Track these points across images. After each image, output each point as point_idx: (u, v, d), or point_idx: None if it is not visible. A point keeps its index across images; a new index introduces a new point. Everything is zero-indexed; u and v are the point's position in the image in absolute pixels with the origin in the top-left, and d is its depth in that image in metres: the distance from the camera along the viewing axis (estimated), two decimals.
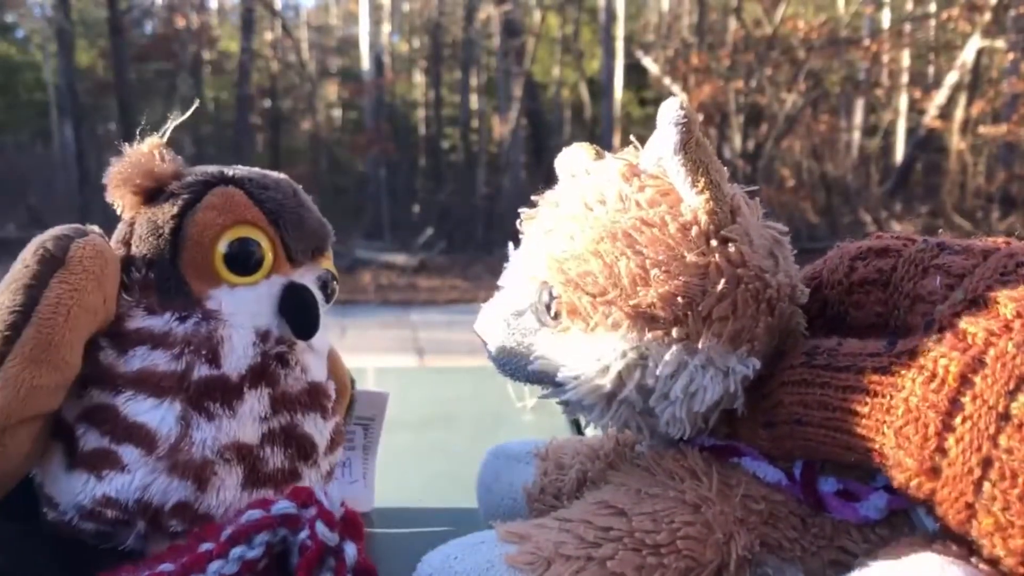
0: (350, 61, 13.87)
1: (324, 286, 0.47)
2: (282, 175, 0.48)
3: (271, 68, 12.78)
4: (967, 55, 7.74)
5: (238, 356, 0.42)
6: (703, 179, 0.37)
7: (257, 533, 0.36)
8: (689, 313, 0.37)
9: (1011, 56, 7.62)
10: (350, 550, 0.35)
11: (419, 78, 13.89)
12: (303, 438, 0.44)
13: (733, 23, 9.15)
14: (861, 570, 0.33)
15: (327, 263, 0.49)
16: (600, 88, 10.78)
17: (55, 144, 11.12)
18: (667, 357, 0.37)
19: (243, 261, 0.44)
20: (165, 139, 0.46)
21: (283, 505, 0.36)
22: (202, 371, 0.41)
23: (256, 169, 0.48)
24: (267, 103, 12.90)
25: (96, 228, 0.43)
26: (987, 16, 7.38)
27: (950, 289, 0.36)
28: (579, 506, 0.39)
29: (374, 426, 0.58)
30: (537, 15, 10.76)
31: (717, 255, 0.37)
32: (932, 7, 8.91)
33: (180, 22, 11.21)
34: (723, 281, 0.37)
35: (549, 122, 11.28)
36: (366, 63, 11.39)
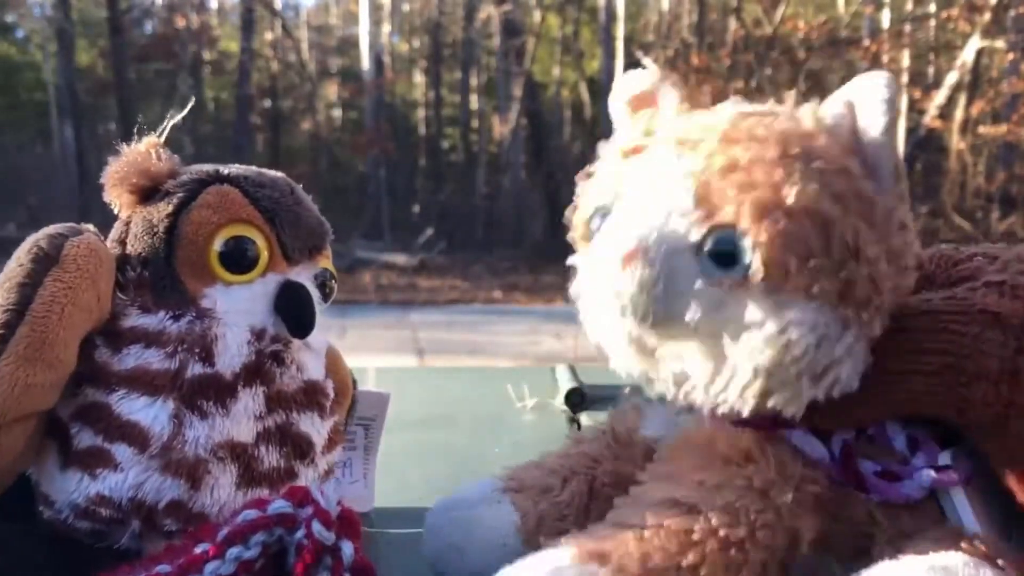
0: (350, 61, 13.86)
1: (322, 285, 0.47)
2: (279, 174, 0.48)
3: (271, 68, 12.79)
4: (967, 55, 7.74)
5: (232, 354, 0.42)
6: (899, 167, 0.37)
7: (253, 533, 0.35)
8: (872, 300, 0.36)
9: (1011, 56, 7.62)
10: (347, 549, 0.35)
11: (419, 78, 13.90)
12: (299, 437, 0.44)
13: (733, 23, 9.15)
14: (889, 562, 0.33)
15: (325, 262, 0.48)
16: (600, 88, 10.78)
17: (55, 144, 11.12)
18: (848, 339, 0.35)
19: (238, 259, 0.44)
20: (163, 138, 0.46)
21: (279, 505, 0.36)
22: (195, 369, 0.41)
23: (253, 168, 0.47)
24: (267, 103, 12.90)
25: (91, 227, 0.43)
26: (987, 16, 7.37)
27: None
28: (640, 507, 0.36)
29: (375, 426, 0.57)
30: (537, 15, 10.76)
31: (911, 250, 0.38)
32: (932, 7, 8.90)
33: (180, 22, 11.21)
34: (910, 278, 0.38)
35: (549, 122, 11.28)
36: (366, 63, 11.39)
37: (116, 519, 0.41)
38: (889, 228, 0.36)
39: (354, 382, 0.54)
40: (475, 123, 13.00)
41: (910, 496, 0.37)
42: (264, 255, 0.44)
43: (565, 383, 0.85)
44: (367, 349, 4.50)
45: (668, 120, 0.41)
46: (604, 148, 0.43)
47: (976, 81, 8.42)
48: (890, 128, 0.36)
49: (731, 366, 0.36)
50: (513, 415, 0.82)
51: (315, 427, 0.45)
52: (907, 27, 9.19)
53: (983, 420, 0.36)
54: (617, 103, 0.44)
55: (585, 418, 0.79)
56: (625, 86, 0.44)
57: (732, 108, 0.39)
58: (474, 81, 12.99)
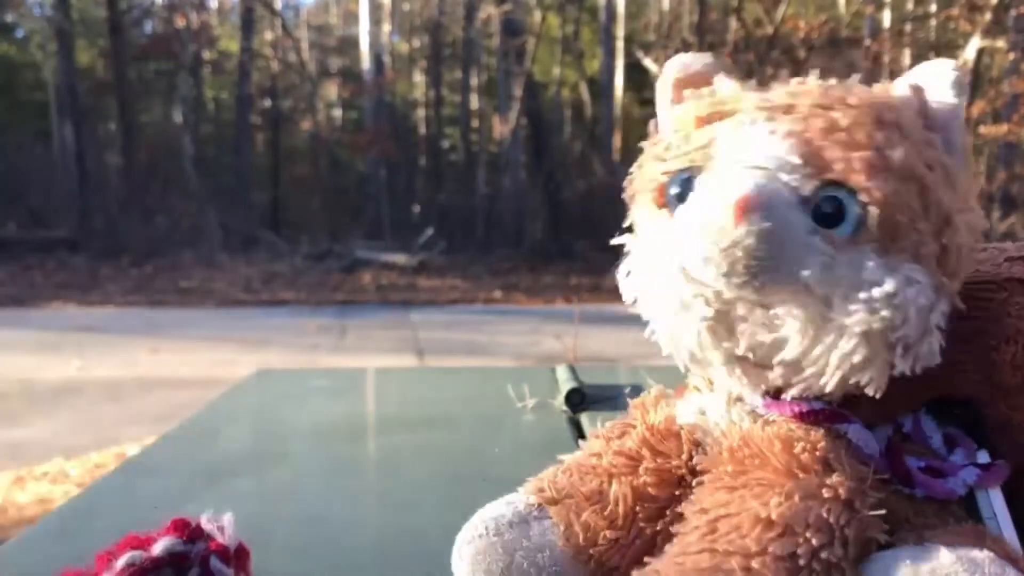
0: (350, 61, 13.86)
1: None
2: None
3: (271, 68, 12.79)
4: (968, 55, 7.73)
5: None
6: (967, 147, 0.38)
7: None
8: (958, 271, 0.36)
9: (1011, 56, 7.62)
10: None
11: (419, 78, 13.90)
12: None
13: (733, 23, 9.14)
14: (914, 546, 0.34)
15: None
16: (600, 88, 10.79)
17: (55, 144, 11.11)
18: (942, 307, 0.35)
19: None
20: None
21: (167, 543, 0.33)
22: None
23: None
24: (267, 103, 12.90)
25: None
26: (987, 16, 7.37)
27: None
28: (733, 530, 0.34)
29: None
30: (537, 15, 10.76)
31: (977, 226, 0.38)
32: (933, 7, 8.91)
33: (180, 22, 11.21)
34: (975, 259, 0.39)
35: (549, 122, 11.28)
36: (366, 63, 11.40)
37: None
38: (969, 201, 0.37)
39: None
40: (475, 123, 13.01)
41: (954, 492, 0.37)
42: None
43: (565, 383, 0.85)
44: (367, 349, 4.49)
45: (740, 93, 0.40)
46: (671, 114, 0.42)
47: (977, 81, 8.42)
48: (961, 107, 0.37)
49: (836, 329, 0.34)
50: (513, 415, 0.82)
51: None
52: (908, 27, 9.19)
53: (1011, 384, 0.36)
54: (666, 82, 0.43)
55: (585, 418, 0.79)
56: (677, 65, 0.43)
57: (811, 81, 0.40)
58: (474, 81, 13.00)
